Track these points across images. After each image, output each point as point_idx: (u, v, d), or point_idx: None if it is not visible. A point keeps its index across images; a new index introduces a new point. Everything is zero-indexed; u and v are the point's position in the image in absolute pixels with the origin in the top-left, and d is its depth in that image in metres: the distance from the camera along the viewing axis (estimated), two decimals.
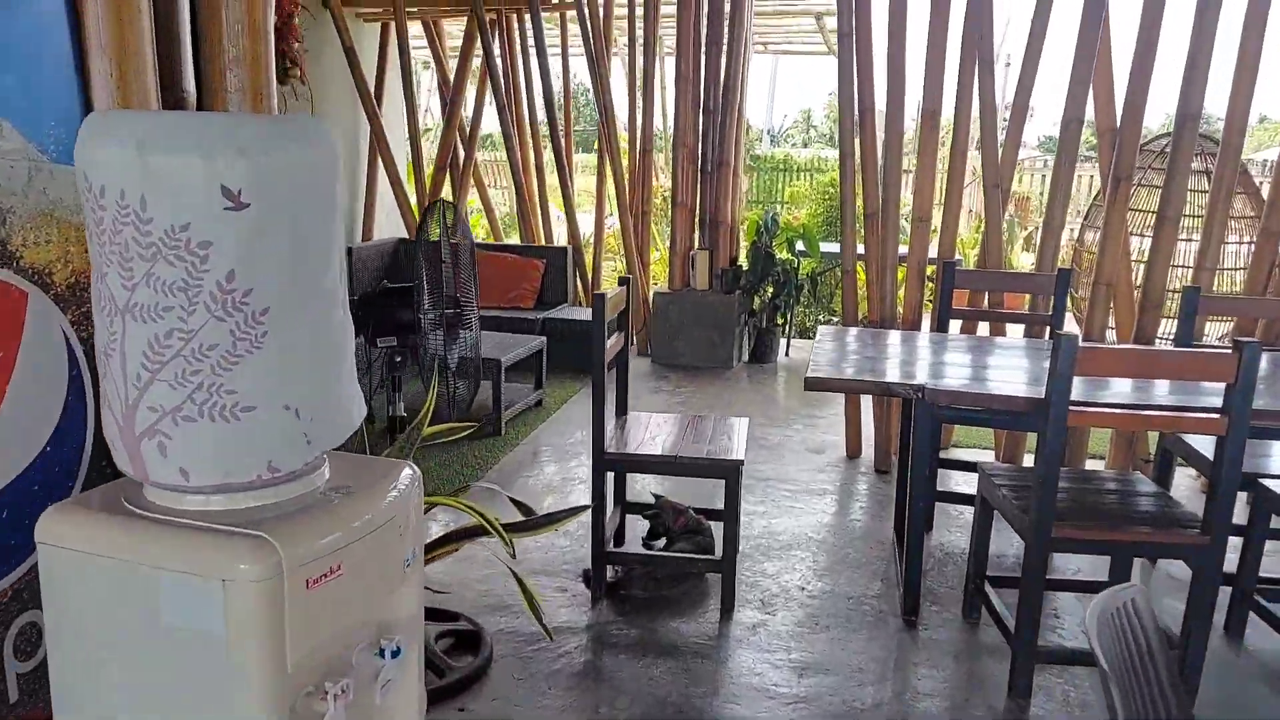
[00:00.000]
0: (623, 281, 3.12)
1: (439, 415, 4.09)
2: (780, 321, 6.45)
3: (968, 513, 3.61)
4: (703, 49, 5.95)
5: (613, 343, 2.97)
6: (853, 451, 4.39)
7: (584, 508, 2.18)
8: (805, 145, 20.96)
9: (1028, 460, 4.14)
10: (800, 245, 6.62)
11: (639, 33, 6.11)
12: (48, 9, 1.08)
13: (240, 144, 0.86)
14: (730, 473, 2.74)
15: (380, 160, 6.54)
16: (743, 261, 6.40)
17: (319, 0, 6.13)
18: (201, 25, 1.30)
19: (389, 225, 6.90)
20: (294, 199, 0.89)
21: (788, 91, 29.49)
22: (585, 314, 5.97)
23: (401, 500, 1.12)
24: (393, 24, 6.33)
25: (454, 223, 2.35)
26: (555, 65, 6.53)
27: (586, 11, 6.06)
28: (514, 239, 7.26)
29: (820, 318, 7.73)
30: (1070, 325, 4.03)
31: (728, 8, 5.86)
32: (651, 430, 3.04)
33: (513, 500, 2.30)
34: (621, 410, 3.24)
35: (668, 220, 6.33)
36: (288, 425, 0.93)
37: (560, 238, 7.00)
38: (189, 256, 0.86)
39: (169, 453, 0.91)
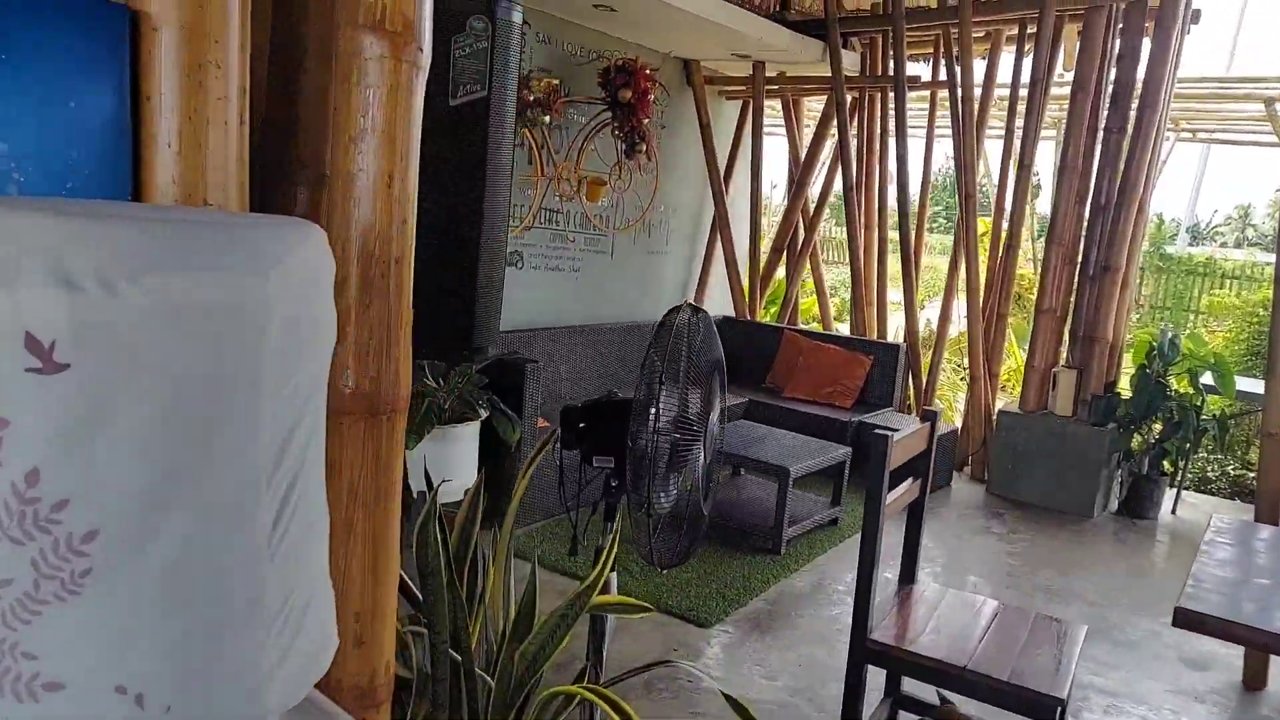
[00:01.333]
0: (927, 416, 2.47)
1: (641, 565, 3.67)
2: (1169, 469, 5.12)
3: None
4: (1099, 134, 4.98)
5: (901, 492, 2.34)
6: (1254, 679, 3.17)
7: None
8: (1238, 245, 17.64)
9: None
10: (1208, 378, 5.24)
11: (1019, 116, 5.29)
12: (88, 46, 0.87)
13: (68, 264, 0.52)
14: (1045, 713, 1.96)
15: (720, 238, 6.40)
16: (1123, 388, 5.20)
17: (683, 77, 6.19)
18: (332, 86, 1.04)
19: (721, 302, 6.73)
20: (163, 361, 0.54)
21: (1219, 182, 25.26)
22: (911, 425, 5.21)
23: None
24: (751, 101, 6.20)
25: (700, 329, 1.93)
26: (919, 146, 5.93)
27: (960, 92, 5.40)
28: (846, 328, 6.68)
29: (1230, 469, 6.09)
30: None
31: (1138, 88, 4.86)
32: (941, 616, 2.34)
33: (728, 699, 1.75)
34: (907, 577, 2.56)
35: (1029, 326, 5.37)
36: (121, 718, 0.58)
37: (897, 333, 6.31)
38: None
39: None
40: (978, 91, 5.52)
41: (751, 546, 4.00)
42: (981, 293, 5.48)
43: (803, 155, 6.30)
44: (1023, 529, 4.69)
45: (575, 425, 1.96)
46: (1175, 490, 5.28)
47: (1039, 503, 5.09)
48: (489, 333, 1.84)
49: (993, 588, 3.89)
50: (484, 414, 3.79)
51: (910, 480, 2.42)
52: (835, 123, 5.80)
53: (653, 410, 1.86)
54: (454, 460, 3.65)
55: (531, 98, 4.46)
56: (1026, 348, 5.41)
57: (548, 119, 4.58)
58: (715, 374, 1.99)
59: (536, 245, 5.29)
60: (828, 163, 6.32)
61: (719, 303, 6.71)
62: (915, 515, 2.52)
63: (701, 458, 1.91)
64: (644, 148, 5.15)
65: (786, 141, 6.52)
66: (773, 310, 6.79)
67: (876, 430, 2.14)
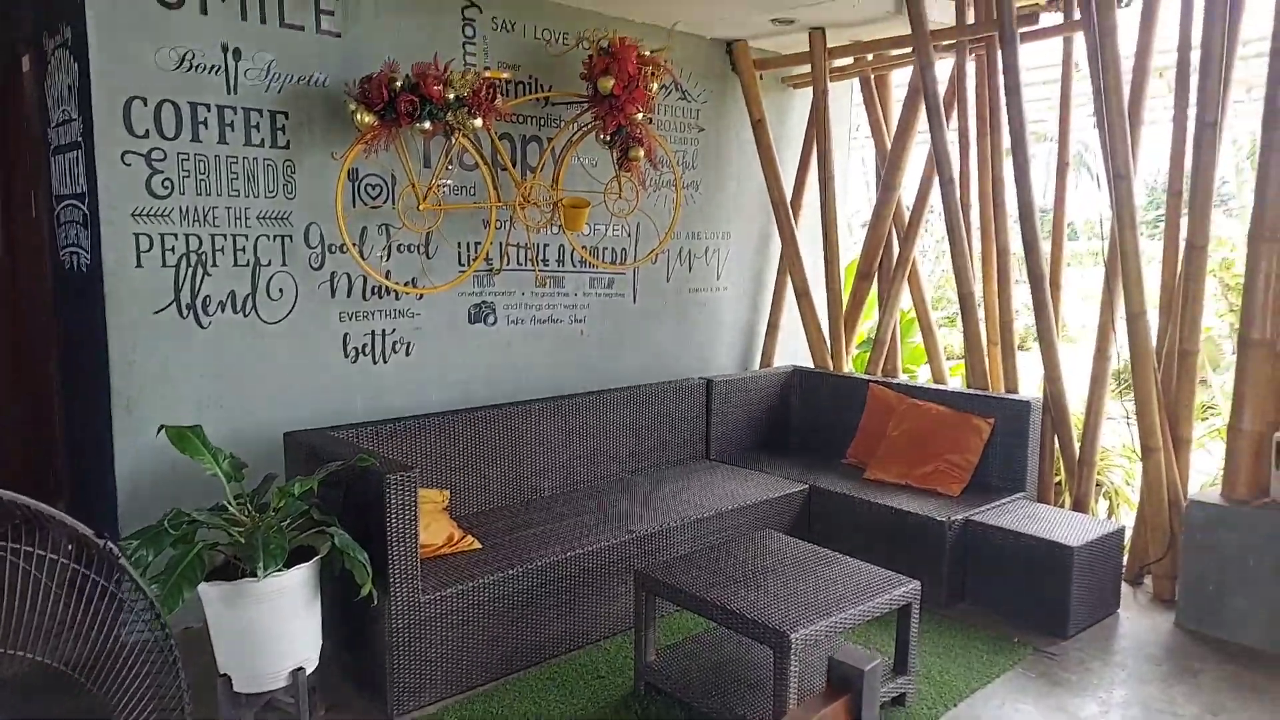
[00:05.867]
0: (842, 682, 1.00)
1: None
2: None
3: None
4: None
5: None
6: None
7: None
8: None
9: None
10: None
11: (1193, 65, 3.51)
12: None
13: None
14: None
15: (788, 268, 4.94)
16: None
17: (726, 64, 4.84)
18: None
19: (796, 351, 5.24)
20: None
21: None
22: (1054, 524, 3.51)
23: None
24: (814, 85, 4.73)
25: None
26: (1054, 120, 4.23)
27: (1097, 32, 3.69)
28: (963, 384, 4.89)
29: None
30: None
31: None
32: None
33: None
34: None
35: (1224, 367, 3.53)
36: None
37: (1030, 385, 4.55)
38: None
39: None
40: (1128, 38, 3.79)
41: None
42: (1149, 319, 3.69)
43: (889, 149, 4.74)
44: (1236, 703, 2.88)
45: None
46: None
47: (1263, 647, 3.22)
48: None
49: None
50: (324, 550, 2.60)
51: None
52: (923, 96, 4.23)
53: None
54: (265, 628, 2.47)
55: (450, 95, 3.29)
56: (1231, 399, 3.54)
57: (477, 123, 3.38)
58: None
59: (514, 292, 4.09)
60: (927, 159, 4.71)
61: (798, 350, 5.22)
62: None
63: None
64: (640, 153, 3.84)
65: (870, 131, 4.98)
66: (865, 357, 5.20)
67: None
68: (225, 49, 3.17)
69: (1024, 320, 5.86)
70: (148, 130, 3.04)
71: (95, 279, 3.06)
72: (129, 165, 3.02)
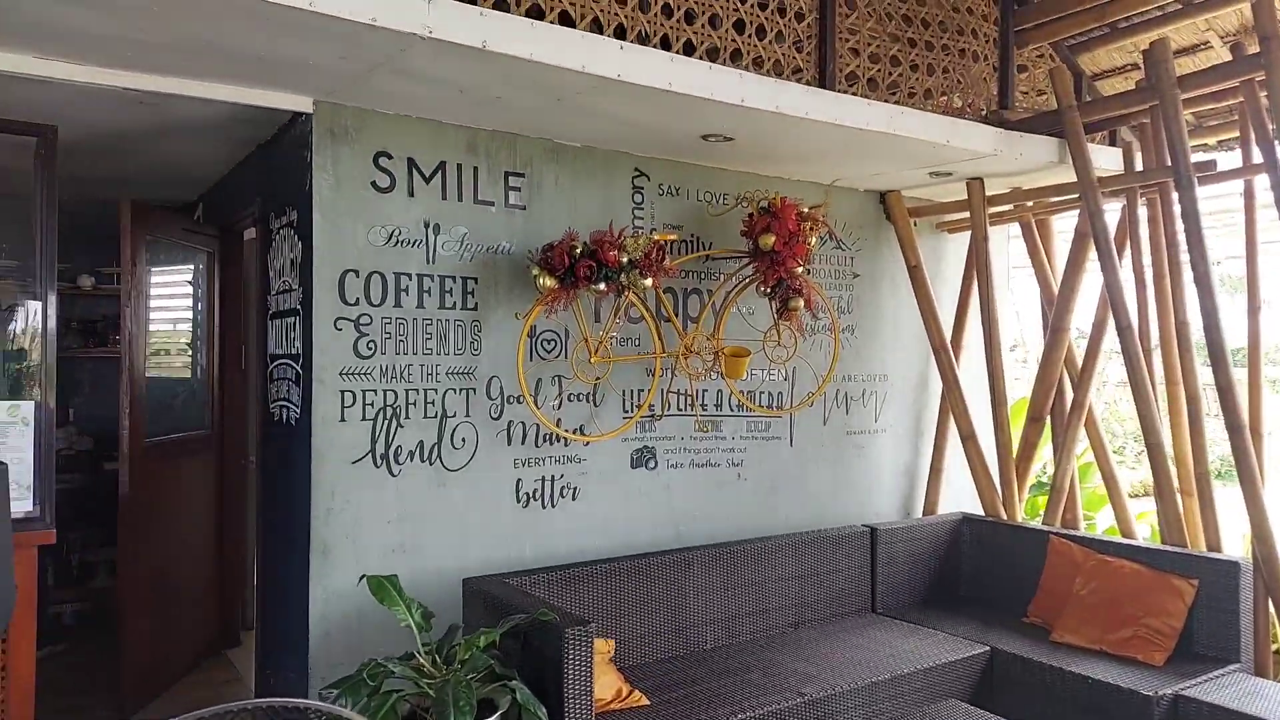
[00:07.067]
0: None
1: None
2: None
3: None
4: None
5: None
6: None
7: None
8: None
9: None
10: None
11: None
12: None
13: None
14: None
15: (951, 411, 4.83)
16: None
17: (880, 212, 4.94)
18: None
19: (961, 495, 5.03)
20: None
21: None
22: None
23: None
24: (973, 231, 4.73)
25: None
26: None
27: None
28: (1152, 534, 4.51)
29: None
30: None
31: None
32: None
33: None
34: None
35: None
36: None
37: (1234, 542, 4.17)
38: None
39: None
40: None
41: None
42: None
43: (1056, 290, 4.63)
44: None
45: None
46: None
47: None
48: None
49: None
50: (504, 704, 2.64)
51: None
52: (1093, 241, 4.15)
53: None
54: None
55: (624, 259, 3.50)
56: None
57: (648, 283, 3.57)
58: None
59: (674, 437, 4.18)
60: (1099, 301, 4.57)
61: (963, 495, 5.02)
62: None
63: None
64: (800, 303, 3.93)
65: (1033, 270, 4.89)
66: (1041, 503, 4.93)
67: None
68: (427, 225, 3.52)
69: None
70: (358, 299, 3.38)
71: (304, 431, 3.35)
72: (340, 330, 3.35)
